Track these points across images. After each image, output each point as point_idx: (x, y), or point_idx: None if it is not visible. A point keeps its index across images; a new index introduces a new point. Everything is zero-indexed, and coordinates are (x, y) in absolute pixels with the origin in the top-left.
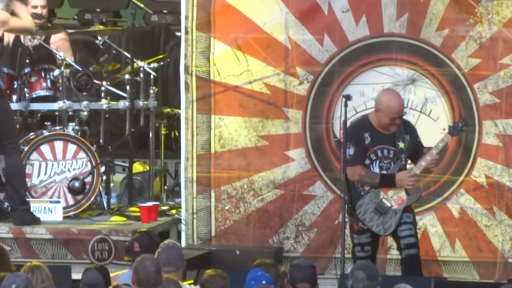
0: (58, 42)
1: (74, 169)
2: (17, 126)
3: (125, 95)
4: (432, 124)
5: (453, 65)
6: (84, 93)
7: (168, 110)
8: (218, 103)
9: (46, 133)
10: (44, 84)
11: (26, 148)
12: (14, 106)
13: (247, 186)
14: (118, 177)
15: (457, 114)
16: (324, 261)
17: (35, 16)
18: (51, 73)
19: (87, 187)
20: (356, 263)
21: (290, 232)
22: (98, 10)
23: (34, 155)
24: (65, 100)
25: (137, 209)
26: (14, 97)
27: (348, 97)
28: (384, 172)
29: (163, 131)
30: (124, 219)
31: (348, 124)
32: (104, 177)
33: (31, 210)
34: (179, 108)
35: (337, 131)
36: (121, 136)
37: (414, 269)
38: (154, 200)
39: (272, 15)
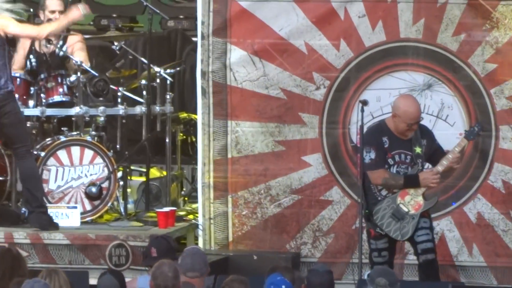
0: (74, 44)
1: (91, 175)
2: (34, 132)
3: (141, 100)
4: (449, 129)
5: (469, 70)
6: (101, 99)
7: (185, 115)
8: (235, 108)
9: (63, 138)
10: (61, 90)
11: (43, 154)
12: (31, 111)
13: (264, 191)
14: (135, 182)
15: (474, 119)
16: (341, 266)
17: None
18: (68, 79)
19: (104, 192)
20: (374, 268)
21: (307, 238)
22: (114, 15)
23: (51, 161)
24: (81, 106)
25: (154, 215)
26: (31, 103)
27: (364, 102)
28: None
29: (179, 136)
30: (141, 224)
31: (365, 129)
32: (121, 183)
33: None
34: (196, 114)
35: (353, 136)
36: (137, 142)
37: (432, 274)
38: (171, 206)
39: (288, 20)
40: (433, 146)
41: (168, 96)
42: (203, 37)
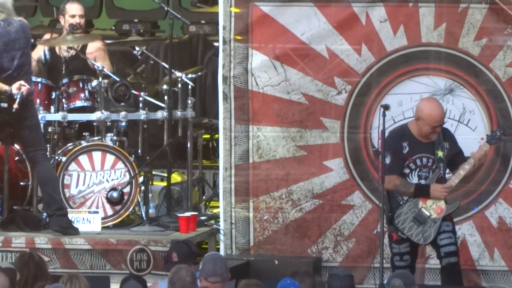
0: (95, 52)
1: (112, 180)
2: (55, 137)
3: (163, 105)
4: (471, 133)
5: (491, 74)
6: (122, 104)
7: (206, 120)
8: (256, 113)
9: (84, 143)
10: (82, 95)
11: (64, 159)
12: (53, 116)
13: (286, 196)
14: (156, 187)
15: (495, 124)
16: (362, 270)
17: (72, 26)
18: (89, 84)
19: (126, 197)
20: (392, 273)
21: (328, 242)
22: (135, 20)
23: (73, 166)
24: (103, 111)
25: (176, 220)
26: (52, 108)
27: (386, 107)
28: (422, 181)
29: (201, 141)
30: (163, 229)
31: (387, 133)
32: (143, 188)
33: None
34: (217, 118)
35: (375, 141)
36: (159, 147)
37: (454, 278)
38: (193, 210)
39: (310, 25)
40: (454, 150)
41: (189, 101)
42: (224, 42)
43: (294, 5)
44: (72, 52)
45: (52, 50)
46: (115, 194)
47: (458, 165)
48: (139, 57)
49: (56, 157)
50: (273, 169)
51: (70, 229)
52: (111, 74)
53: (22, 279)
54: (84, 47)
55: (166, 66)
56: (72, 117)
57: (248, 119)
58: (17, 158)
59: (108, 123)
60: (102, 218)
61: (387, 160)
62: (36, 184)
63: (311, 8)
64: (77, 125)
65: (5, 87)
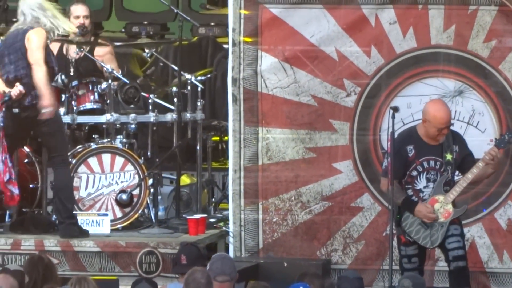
0: (103, 56)
1: (121, 182)
2: None
3: (172, 107)
4: (480, 135)
5: (500, 76)
6: (132, 106)
7: (216, 122)
8: (266, 115)
9: (93, 145)
10: (92, 97)
11: (74, 161)
12: (62, 119)
13: (295, 198)
14: (166, 189)
15: (505, 126)
16: (372, 273)
17: (78, 27)
18: (99, 86)
19: (135, 199)
20: (403, 275)
21: (338, 244)
22: (145, 23)
23: (82, 168)
24: (112, 113)
25: (185, 222)
26: (62, 110)
27: (395, 109)
28: (431, 184)
29: (210, 143)
30: (172, 231)
31: (396, 135)
32: (152, 190)
33: (79, 223)
34: (227, 121)
35: (384, 143)
36: (168, 149)
37: (462, 282)
38: (202, 213)
39: (319, 27)
40: (464, 154)
41: (199, 103)
42: (234, 44)
43: (304, 7)
44: (81, 54)
45: (60, 52)
46: (124, 196)
47: (469, 168)
48: (149, 59)
49: None
50: (282, 171)
51: (80, 235)
52: (120, 76)
53: (31, 281)
54: (92, 50)
55: (176, 68)
56: (81, 119)
57: (258, 121)
58: (26, 160)
59: (118, 125)
60: (111, 221)
61: (386, 163)
62: (45, 186)
63: (321, 10)
64: (86, 127)
65: (6, 90)
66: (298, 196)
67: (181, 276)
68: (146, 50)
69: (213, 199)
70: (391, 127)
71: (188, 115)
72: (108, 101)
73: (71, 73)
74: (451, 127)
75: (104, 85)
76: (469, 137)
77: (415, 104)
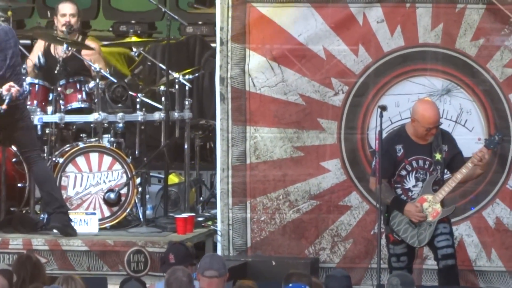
0: (91, 56)
1: (109, 181)
2: (53, 138)
3: (160, 106)
4: (468, 134)
5: (488, 75)
6: (120, 105)
7: (203, 121)
8: (254, 114)
9: (81, 145)
10: (80, 96)
11: (61, 160)
12: (50, 118)
13: (283, 197)
14: (153, 188)
15: (492, 124)
16: (360, 271)
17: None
18: (87, 85)
19: (123, 198)
20: (392, 273)
21: (326, 243)
22: (133, 22)
23: (70, 167)
24: (100, 112)
25: (173, 221)
26: (50, 109)
27: (383, 108)
28: (420, 183)
29: (198, 142)
30: (160, 230)
31: (384, 134)
32: (140, 189)
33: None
34: (215, 119)
35: (372, 142)
36: (156, 148)
37: (452, 280)
38: (190, 212)
39: (307, 26)
40: (454, 153)
41: (186, 102)
42: (222, 43)
43: (291, 6)
44: (69, 53)
45: (47, 51)
46: (112, 196)
47: (458, 167)
48: (137, 58)
49: (53, 159)
50: (270, 170)
51: (69, 228)
52: (108, 76)
53: (19, 280)
54: (79, 49)
55: (164, 67)
56: (69, 118)
57: (245, 120)
58: (14, 159)
59: (106, 124)
60: (99, 220)
61: (374, 162)
62: (33, 185)
63: (308, 8)
64: (74, 127)
65: None
66: (286, 195)
67: None
68: (134, 49)
69: (201, 198)
70: (379, 125)
71: (176, 114)
72: (95, 100)
73: (60, 72)
74: (440, 126)
75: (91, 84)
76: (457, 135)
77: (403, 102)
